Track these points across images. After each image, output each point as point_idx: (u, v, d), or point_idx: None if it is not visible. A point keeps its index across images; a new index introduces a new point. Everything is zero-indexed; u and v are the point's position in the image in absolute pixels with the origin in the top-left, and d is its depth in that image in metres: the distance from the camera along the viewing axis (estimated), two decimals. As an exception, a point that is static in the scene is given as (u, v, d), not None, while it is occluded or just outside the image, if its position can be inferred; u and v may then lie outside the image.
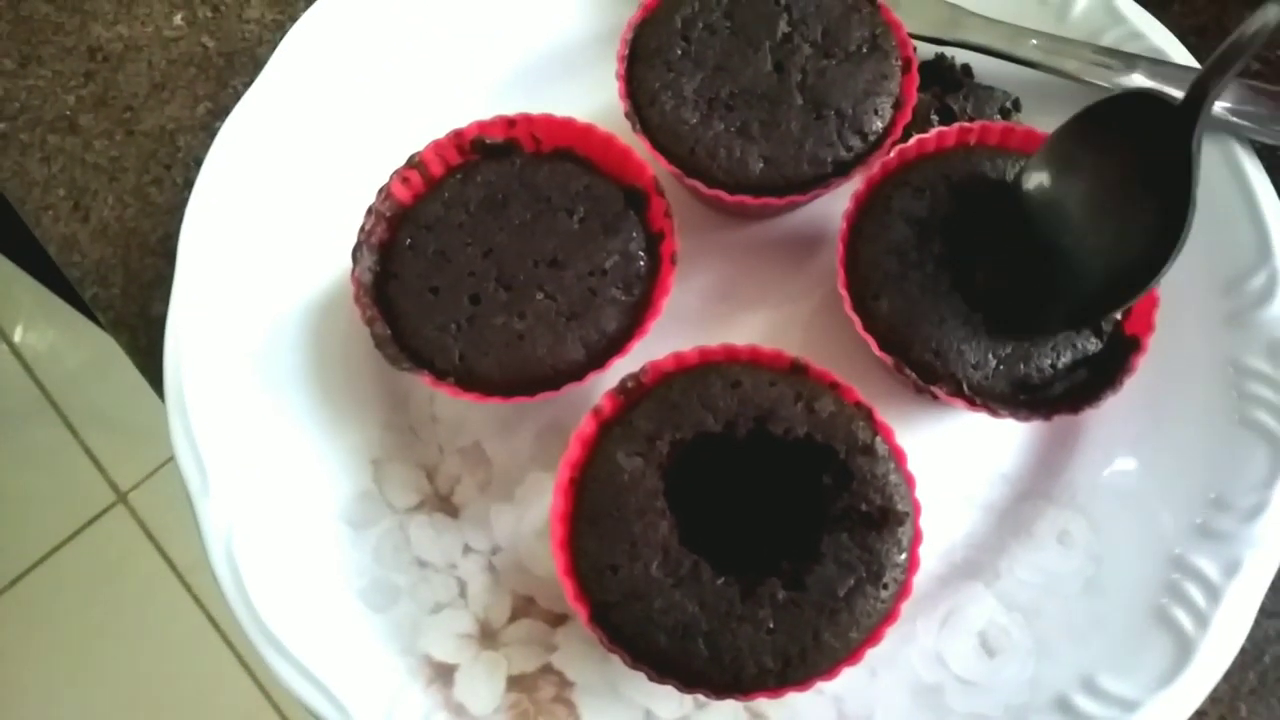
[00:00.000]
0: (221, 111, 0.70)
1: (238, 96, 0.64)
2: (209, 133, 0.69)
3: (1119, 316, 0.56)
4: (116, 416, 1.78)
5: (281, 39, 0.65)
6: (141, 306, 0.66)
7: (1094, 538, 0.56)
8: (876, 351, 0.55)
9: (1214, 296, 0.59)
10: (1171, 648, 0.52)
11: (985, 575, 0.57)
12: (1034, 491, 0.58)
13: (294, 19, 0.66)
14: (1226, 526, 0.54)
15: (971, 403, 0.54)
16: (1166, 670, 0.52)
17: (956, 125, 0.59)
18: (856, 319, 0.55)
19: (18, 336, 1.86)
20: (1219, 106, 0.61)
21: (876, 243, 0.57)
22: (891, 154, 0.58)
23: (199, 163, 0.63)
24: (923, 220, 0.57)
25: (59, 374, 1.84)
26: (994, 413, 0.54)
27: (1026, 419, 0.54)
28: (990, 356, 0.55)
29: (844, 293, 0.56)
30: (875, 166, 0.58)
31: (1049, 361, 0.55)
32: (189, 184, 0.67)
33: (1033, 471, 0.59)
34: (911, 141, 0.59)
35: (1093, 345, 0.55)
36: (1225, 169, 0.61)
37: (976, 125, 0.59)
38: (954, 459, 0.59)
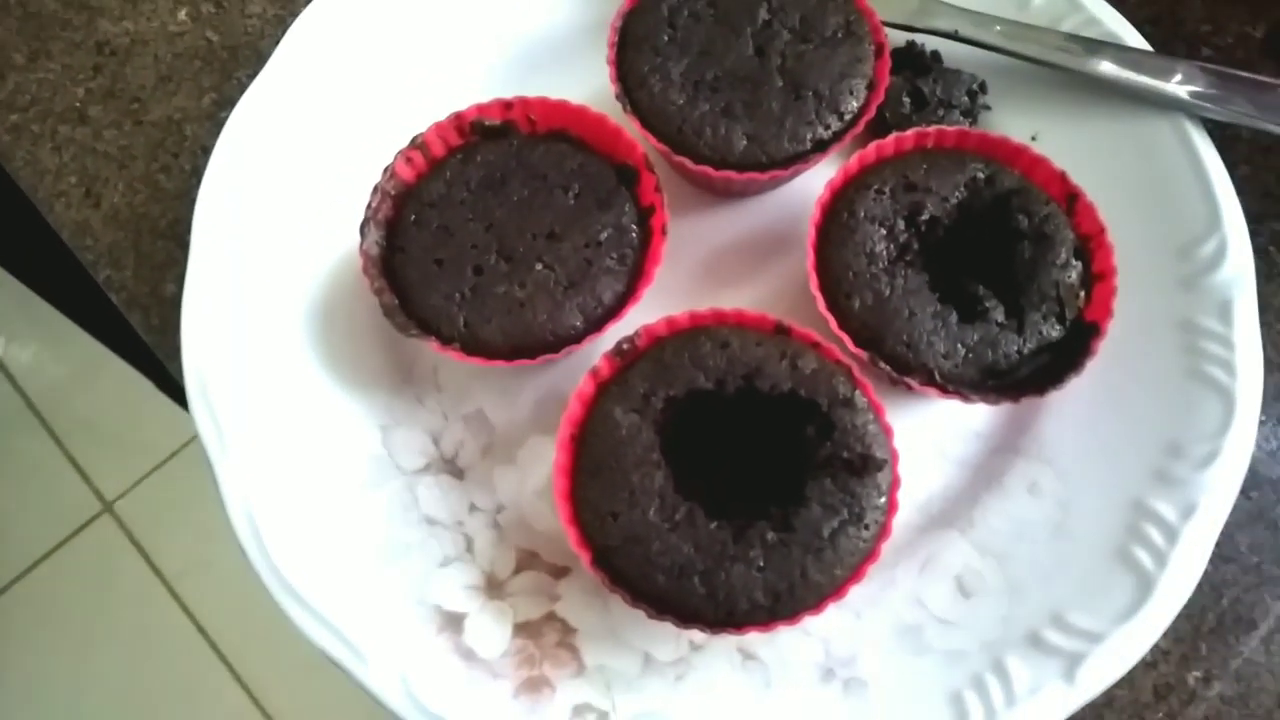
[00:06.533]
0: (226, 102, 0.72)
1: (242, 88, 0.66)
2: (214, 122, 0.72)
3: (1080, 304, 0.59)
4: (101, 426, 1.77)
5: (282, 33, 0.67)
6: (153, 287, 0.69)
7: (1061, 487, 0.59)
8: (851, 348, 0.57)
9: (1169, 261, 0.62)
10: (1133, 585, 0.55)
11: (960, 524, 0.59)
12: (1005, 446, 0.61)
13: (294, 14, 0.69)
14: (1183, 473, 0.57)
15: (944, 390, 0.56)
16: (1129, 605, 0.55)
17: (913, 130, 0.62)
18: (831, 318, 0.57)
19: (1, 348, 1.86)
20: (1171, 85, 0.65)
21: (845, 245, 0.59)
22: (853, 159, 0.60)
23: (206, 151, 0.65)
24: (885, 220, 0.59)
25: (43, 384, 1.84)
26: (965, 398, 0.56)
27: (995, 402, 0.56)
28: (959, 346, 0.57)
29: (817, 294, 0.58)
30: (838, 170, 0.60)
31: (1015, 348, 0.58)
32: (196, 171, 0.70)
33: (1003, 428, 0.62)
34: (870, 147, 0.61)
35: (1056, 332, 0.58)
36: (1178, 144, 0.64)
37: (933, 130, 0.62)
38: (930, 419, 0.62)
